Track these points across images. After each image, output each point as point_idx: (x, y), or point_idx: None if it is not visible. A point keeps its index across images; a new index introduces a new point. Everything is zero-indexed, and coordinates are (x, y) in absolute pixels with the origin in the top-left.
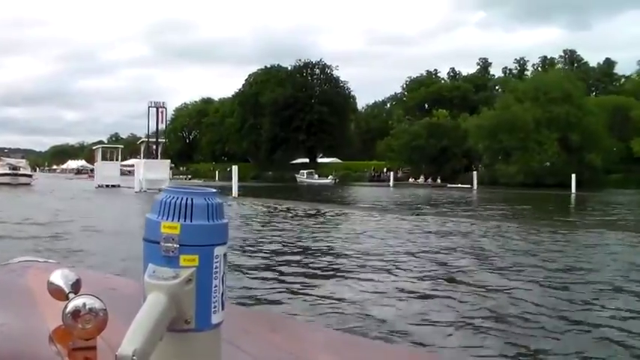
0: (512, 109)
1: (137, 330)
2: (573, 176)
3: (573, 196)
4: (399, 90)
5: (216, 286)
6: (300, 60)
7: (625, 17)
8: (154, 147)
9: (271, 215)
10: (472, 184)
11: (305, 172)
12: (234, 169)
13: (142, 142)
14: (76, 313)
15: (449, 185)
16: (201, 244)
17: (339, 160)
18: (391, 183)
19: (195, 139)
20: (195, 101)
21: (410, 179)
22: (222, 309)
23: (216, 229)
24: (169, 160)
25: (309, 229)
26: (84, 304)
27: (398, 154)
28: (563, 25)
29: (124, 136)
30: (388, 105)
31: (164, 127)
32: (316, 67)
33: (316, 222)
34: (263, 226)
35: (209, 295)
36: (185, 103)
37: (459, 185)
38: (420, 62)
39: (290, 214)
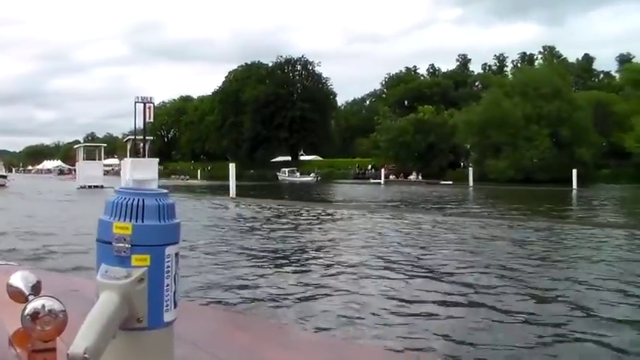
0: (502, 104)
1: (89, 329)
2: (574, 172)
3: (575, 192)
4: (378, 87)
5: (168, 285)
6: (281, 56)
7: (598, 14)
8: (141, 145)
9: (292, 219)
10: (468, 181)
11: (287, 170)
12: (232, 167)
13: (128, 139)
14: (34, 315)
15: (441, 182)
16: (153, 244)
17: (320, 158)
18: (382, 180)
19: (173, 137)
20: (174, 99)
21: (396, 176)
22: (175, 307)
23: (168, 229)
24: (158, 159)
25: (355, 237)
26: (43, 306)
27: (384, 151)
28: (539, 21)
29: (100, 135)
30: (367, 102)
31: (151, 123)
32: (298, 63)
33: (351, 228)
34: (299, 232)
35: (161, 294)
36: (163, 102)
37: (447, 182)
38: (398, 60)
39: (312, 219)
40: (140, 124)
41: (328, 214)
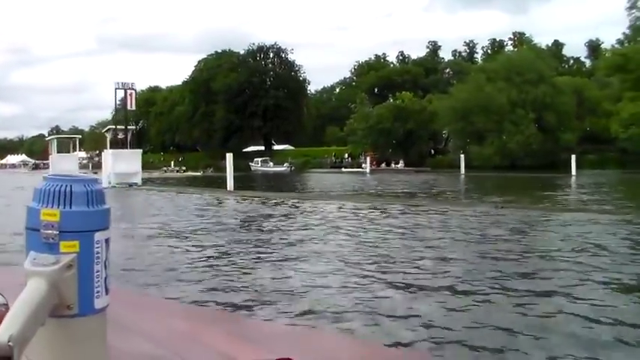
0: (485, 90)
1: (14, 317)
2: (573, 157)
3: (574, 178)
4: (347, 75)
5: (98, 272)
6: (253, 44)
7: (560, 2)
8: (124, 135)
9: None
10: (458, 168)
11: (260, 159)
12: (229, 157)
13: (108, 129)
14: None
15: (427, 170)
16: (82, 230)
17: (292, 147)
18: (367, 169)
19: (142, 129)
20: (142, 90)
21: (377, 164)
22: (106, 294)
23: (97, 215)
24: (141, 150)
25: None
26: None
27: (362, 139)
28: (503, 9)
29: (65, 128)
30: (337, 90)
31: (133, 111)
32: (270, 50)
33: (409, 226)
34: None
35: (91, 281)
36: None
37: (427, 169)
38: (367, 48)
39: (376, 217)
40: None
41: (384, 211)
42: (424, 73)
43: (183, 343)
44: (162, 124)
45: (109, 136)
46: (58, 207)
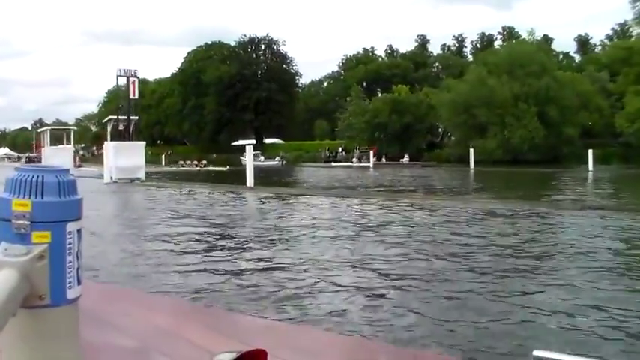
0: (488, 83)
1: None
2: (590, 152)
3: (590, 173)
4: (335, 69)
5: (70, 262)
6: (244, 35)
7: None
8: (125, 126)
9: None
10: (469, 162)
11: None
12: (249, 149)
13: (109, 119)
14: None
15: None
16: (54, 221)
17: (282, 142)
18: (371, 164)
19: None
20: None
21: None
22: (79, 284)
23: (69, 205)
24: (144, 143)
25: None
26: None
27: (358, 133)
28: (487, 3)
29: (48, 121)
30: (325, 84)
31: (135, 100)
32: (262, 42)
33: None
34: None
35: (63, 271)
36: (118, 85)
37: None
38: (355, 41)
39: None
40: (93, 108)
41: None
42: (413, 67)
43: (160, 337)
44: (150, 117)
45: (109, 127)
46: (30, 197)
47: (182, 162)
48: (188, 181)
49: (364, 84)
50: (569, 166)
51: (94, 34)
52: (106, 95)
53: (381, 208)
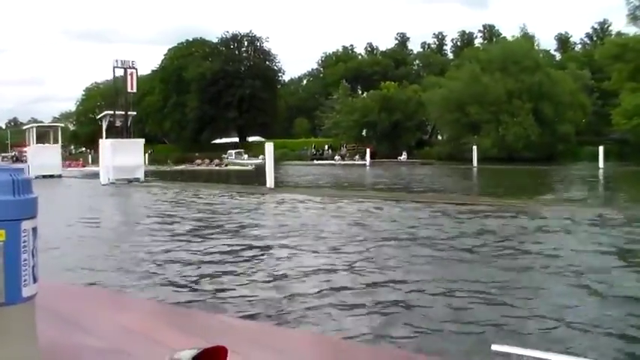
0: (482, 79)
1: None
2: (601, 149)
3: (601, 170)
4: (314, 67)
5: (25, 260)
6: (227, 32)
7: None
8: (121, 122)
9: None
10: (471, 160)
11: (233, 152)
12: (269, 147)
13: (105, 115)
14: None
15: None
16: (8, 219)
17: (263, 139)
18: (367, 162)
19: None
20: (107, 80)
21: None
22: (35, 282)
23: (23, 203)
24: (144, 140)
25: None
26: None
27: (346, 130)
28: (463, 2)
29: (23, 120)
30: (305, 82)
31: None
32: (245, 39)
33: None
34: None
35: (18, 269)
36: (96, 82)
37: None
38: (333, 39)
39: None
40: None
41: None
42: (394, 65)
43: (127, 337)
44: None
45: (104, 123)
46: None
47: (199, 161)
48: (193, 180)
49: (344, 82)
50: (564, 163)
51: (70, 32)
52: (83, 93)
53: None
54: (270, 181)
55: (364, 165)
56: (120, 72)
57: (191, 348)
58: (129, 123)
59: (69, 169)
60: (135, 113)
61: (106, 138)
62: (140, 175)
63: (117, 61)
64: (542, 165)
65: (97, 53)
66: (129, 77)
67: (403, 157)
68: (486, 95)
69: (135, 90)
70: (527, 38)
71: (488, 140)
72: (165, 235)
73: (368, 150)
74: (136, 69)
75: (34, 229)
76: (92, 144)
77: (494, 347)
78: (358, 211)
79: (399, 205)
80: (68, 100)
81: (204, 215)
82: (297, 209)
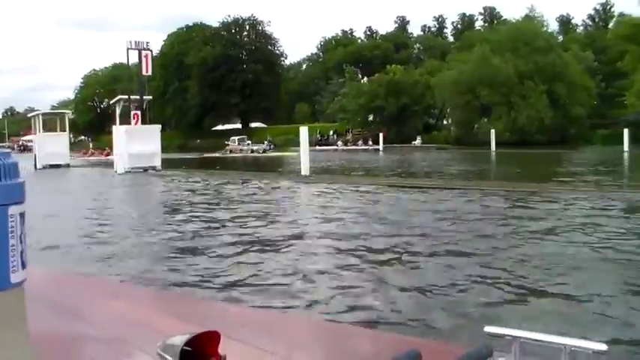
0: (492, 61)
1: None
2: (626, 132)
3: (626, 154)
4: (314, 51)
5: (13, 245)
6: (228, 16)
7: None
8: (135, 108)
9: None
10: (490, 145)
11: (236, 138)
12: (304, 131)
13: (118, 100)
14: None
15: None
16: None
17: (264, 125)
18: (381, 147)
19: (107, 108)
20: (106, 67)
21: (368, 141)
22: (23, 268)
23: (11, 188)
24: (160, 126)
25: None
26: None
27: (352, 115)
28: None
29: (20, 110)
30: (304, 67)
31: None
32: (246, 23)
33: None
34: None
35: (6, 255)
36: (94, 70)
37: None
38: (332, 23)
39: None
40: (65, 95)
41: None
42: (394, 49)
43: (125, 326)
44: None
45: (118, 108)
46: None
47: (232, 144)
48: (211, 168)
49: (344, 66)
50: (577, 147)
51: (66, 20)
52: (82, 81)
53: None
54: (305, 169)
55: (377, 150)
56: (134, 56)
57: (183, 333)
58: (145, 106)
59: (91, 158)
60: (150, 97)
61: (120, 124)
62: (157, 163)
63: (130, 42)
64: (559, 148)
65: (94, 41)
66: (144, 59)
67: (417, 141)
68: (497, 77)
69: (150, 73)
70: (534, 19)
71: (499, 124)
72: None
73: (381, 135)
74: (151, 50)
75: (22, 215)
76: (92, 132)
77: (488, 329)
78: (451, 203)
79: (467, 195)
80: (66, 89)
81: (263, 209)
82: (378, 201)
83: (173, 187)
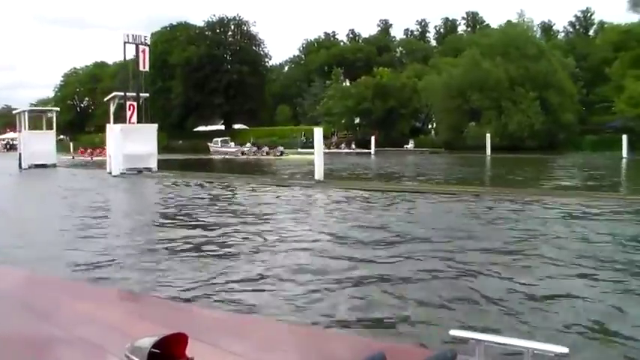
0: (483, 66)
1: None
2: (625, 138)
3: (624, 160)
4: (296, 53)
5: None
6: (214, 15)
7: None
8: (133, 105)
9: None
10: (484, 150)
11: (219, 140)
12: (318, 132)
13: (114, 96)
14: None
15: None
16: None
17: (247, 127)
18: (372, 150)
19: (88, 107)
20: (87, 65)
21: (352, 145)
22: None
23: None
24: (157, 125)
25: None
26: None
27: (339, 117)
28: None
29: None
30: (286, 69)
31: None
32: (231, 23)
33: None
34: None
35: None
36: (75, 68)
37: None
38: (314, 26)
39: None
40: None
41: None
42: (376, 52)
43: (93, 327)
44: None
45: (112, 105)
46: None
47: (248, 144)
48: (220, 171)
49: (326, 69)
50: (565, 152)
51: (43, 18)
52: (62, 79)
53: None
54: (319, 173)
55: (367, 154)
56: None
57: (151, 335)
58: (142, 104)
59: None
60: (147, 95)
61: (114, 123)
62: (153, 164)
63: (128, 36)
64: (550, 154)
65: (73, 39)
66: (141, 55)
67: (410, 145)
68: (488, 81)
69: (147, 69)
70: (523, 23)
71: (490, 128)
72: None
73: (373, 138)
74: (149, 45)
75: None
76: (71, 131)
77: (453, 332)
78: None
79: (498, 201)
80: (44, 87)
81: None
82: (413, 209)
83: (191, 196)
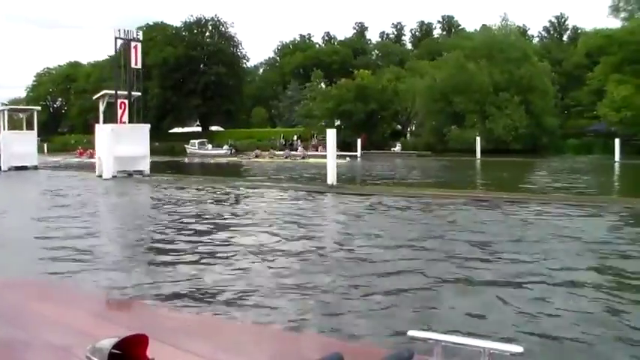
0: (467, 68)
1: None
2: (617, 141)
3: (617, 164)
4: (271, 55)
5: None
6: (191, 15)
7: None
8: (122, 104)
9: None
10: (474, 153)
11: (196, 141)
12: (330, 133)
13: (104, 95)
14: None
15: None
16: None
17: (223, 129)
18: (359, 153)
19: (61, 108)
20: (60, 65)
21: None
22: None
23: None
24: (149, 125)
25: None
26: None
27: (319, 120)
28: None
29: None
30: (261, 71)
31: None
32: (209, 23)
33: None
34: None
35: None
36: (48, 68)
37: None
38: (289, 28)
39: None
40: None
41: None
42: (352, 55)
43: (55, 329)
44: (85, 103)
45: (102, 104)
46: None
47: (257, 151)
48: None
49: (301, 71)
50: (548, 156)
51: (13, 17)
52: (34, 79)
53: None
54: (331, 178)
55: (354, 157)
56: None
57: (112, 336)
58: (134, 104)
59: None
60: (140, 94)
61: (104, 123)
62: (145, 167)
63: (119, 31)
64: (538, 158)
65: (45, 39)
66: (132, 51)
67: (397, 148)
68: (471, 84)
69: (140, 66)
70: (506, 27)
71: (473, 131)
72: None
73: (359, 140)
74: (141, 41)
75: None
76: (44, 132)
77: (410, 333)
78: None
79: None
80: (15, 88)
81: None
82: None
83: (218, 209)
